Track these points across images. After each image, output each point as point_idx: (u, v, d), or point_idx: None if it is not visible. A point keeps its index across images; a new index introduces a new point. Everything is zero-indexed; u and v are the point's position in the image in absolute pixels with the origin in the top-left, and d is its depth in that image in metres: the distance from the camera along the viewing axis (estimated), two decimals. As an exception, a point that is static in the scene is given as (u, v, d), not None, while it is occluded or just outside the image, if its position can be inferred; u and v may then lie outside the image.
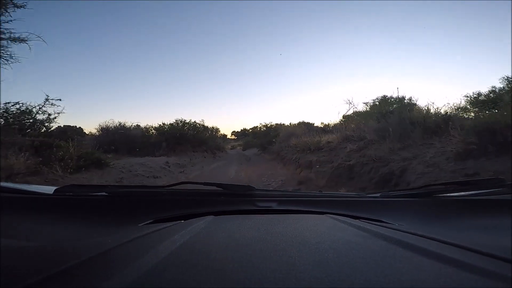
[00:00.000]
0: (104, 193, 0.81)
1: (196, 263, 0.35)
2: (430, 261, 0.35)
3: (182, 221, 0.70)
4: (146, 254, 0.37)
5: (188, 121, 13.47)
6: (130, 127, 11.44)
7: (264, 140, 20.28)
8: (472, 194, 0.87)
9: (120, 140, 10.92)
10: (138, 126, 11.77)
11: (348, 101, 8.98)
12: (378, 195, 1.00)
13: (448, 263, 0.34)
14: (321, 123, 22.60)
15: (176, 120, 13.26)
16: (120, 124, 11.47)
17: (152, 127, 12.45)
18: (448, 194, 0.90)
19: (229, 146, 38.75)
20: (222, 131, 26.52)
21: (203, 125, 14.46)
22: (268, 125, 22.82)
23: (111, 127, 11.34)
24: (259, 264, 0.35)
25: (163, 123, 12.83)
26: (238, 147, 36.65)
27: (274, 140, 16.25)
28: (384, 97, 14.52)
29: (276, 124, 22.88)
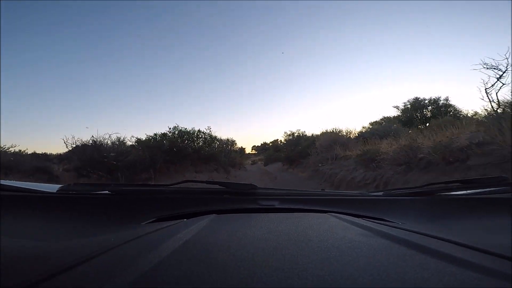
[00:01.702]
0: (107, 192, 0.81)
1: (198, 261, 0.35)
2: (434, 259, 0.35)
3: (185, 219, 0.69)
4: (149, 252, 0.37)
5: (188, 130, 9.69)
6: (104, 143, 7.95)
7: (292, 152, 16.06)
8: (475, 192, 0.86)
9: (92, 160, 7.60)
10: (113, 140, 8.18)
11: (495, 66, 4.12)
12: (381, 193, 1.01)
13: (452, 262, 0.33)
14: (363, 127, 18.24)
15: (170, 129, 9.57)
16: (96, 139, 8.06)
17: (137, 139, 8.79)
18: (451, 193, 0.90)
19: (250, 161, 35.88)
20: (241, 146, 22.87)
21: (211, 135, 10.50)
22: (295, 134, 18.54)
23: (84, 143, 8.03)
24: (262, 262, 0.34)
25: (154, 134, 9.24)
26: (259, 162, 33.54)
27: (309, 151, 11.91)
28: (416, 99, 11.45)
29: (302, 133, 18.59)
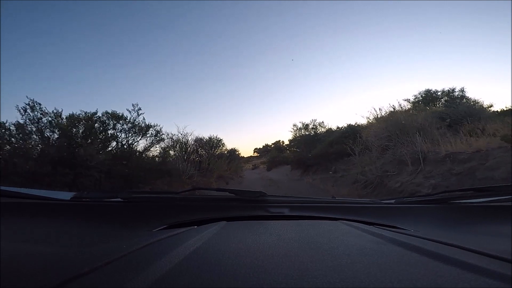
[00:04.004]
0: (119, 199, 0.81)
1: (209, 268, 0.35)
2: (447, 266, 0.34)
3: (195, 226, 0.69)
4: (160, 259, 0.37)
5: (99, 116, 4.40)
6: None
7: (306, 151, 10.89)
8: (490, 200, 0.85)
9: None
10: None
11: None
12: (393, 201, 0.99)
13: (466, 269, 0.33)
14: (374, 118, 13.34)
15: (68, 117, 4.36)
16: None
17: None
18: (465, 201, 0.89)
19: (250, 165, 30.50)
20: (233, 147, 17.39)
21: (143, 125, 5.14)
22: (310, 126, 13.22)
23: None
24: (272, 269, 0.34)
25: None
26: (261, 166, 28.19)
27: (349, 148, 6.63)
28: (428, 91, 11.05)
29: (319, 124, 13.31)
